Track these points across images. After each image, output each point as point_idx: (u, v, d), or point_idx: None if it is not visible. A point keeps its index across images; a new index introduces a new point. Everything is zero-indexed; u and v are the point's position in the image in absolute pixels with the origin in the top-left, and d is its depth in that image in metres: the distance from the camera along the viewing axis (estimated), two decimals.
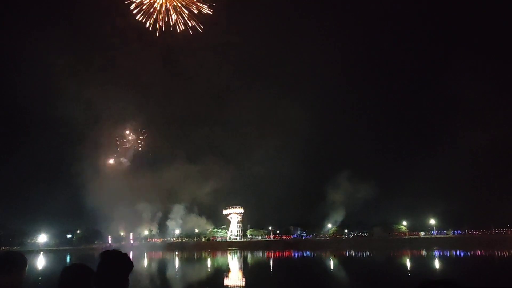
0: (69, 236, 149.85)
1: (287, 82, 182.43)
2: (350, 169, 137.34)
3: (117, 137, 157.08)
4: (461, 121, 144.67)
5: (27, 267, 4.19)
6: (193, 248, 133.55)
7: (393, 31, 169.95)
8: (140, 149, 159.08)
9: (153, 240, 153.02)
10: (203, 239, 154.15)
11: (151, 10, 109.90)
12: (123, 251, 3.85)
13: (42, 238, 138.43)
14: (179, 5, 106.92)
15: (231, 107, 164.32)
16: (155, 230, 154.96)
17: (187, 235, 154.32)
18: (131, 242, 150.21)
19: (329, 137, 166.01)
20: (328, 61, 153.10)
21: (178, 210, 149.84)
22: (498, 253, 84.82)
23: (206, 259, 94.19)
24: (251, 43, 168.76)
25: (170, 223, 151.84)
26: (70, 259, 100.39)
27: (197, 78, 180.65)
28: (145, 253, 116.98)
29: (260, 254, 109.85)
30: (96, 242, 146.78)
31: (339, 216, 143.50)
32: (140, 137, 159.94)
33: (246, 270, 66.25)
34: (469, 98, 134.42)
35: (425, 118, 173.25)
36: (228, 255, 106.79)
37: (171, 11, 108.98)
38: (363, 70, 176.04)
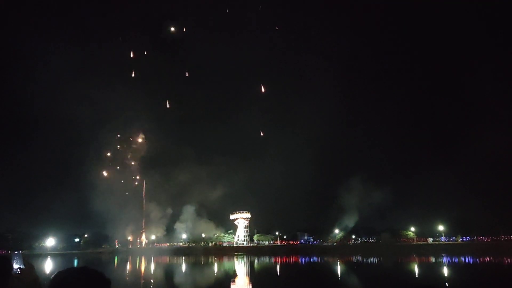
0: (77, 240, 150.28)
1: (301, 83, 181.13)
2: (361, 174, 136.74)
3: (125, 139, 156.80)
4: (477, 126, 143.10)
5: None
6: (201, 253, 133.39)
7: (410, 35, 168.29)
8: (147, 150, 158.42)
9: (160, 244, 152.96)
10: (210, 244, 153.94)
11: None
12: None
13: (50, 241, 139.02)
14: None
15: (242, 109, 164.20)
16: (161, 233, 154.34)
17: (194, 240, 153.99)
18: (138, 246, 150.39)
19: (342, 142, 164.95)
20: (345, 63, 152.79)
21: (188, 211, 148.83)
22: (507, 260, 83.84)
23: (213, 264, 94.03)
24: (265, 41, 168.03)
25: (179, 226, 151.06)
26: (78, 262, 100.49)
27: (208, 77, 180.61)
28: (152, 257, 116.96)
29: (267, 259, 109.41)
30: (103, 246, 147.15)
31: (350, 221, 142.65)
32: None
33: (253, 275, 66.03)
34: (486, 102, 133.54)
35: (441, 122, 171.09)
36: (235, 260, 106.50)
37: None
38: (380, 73, 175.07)
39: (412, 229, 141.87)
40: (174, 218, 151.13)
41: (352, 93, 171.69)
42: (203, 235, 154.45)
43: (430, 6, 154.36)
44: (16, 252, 3.99)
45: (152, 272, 74.36)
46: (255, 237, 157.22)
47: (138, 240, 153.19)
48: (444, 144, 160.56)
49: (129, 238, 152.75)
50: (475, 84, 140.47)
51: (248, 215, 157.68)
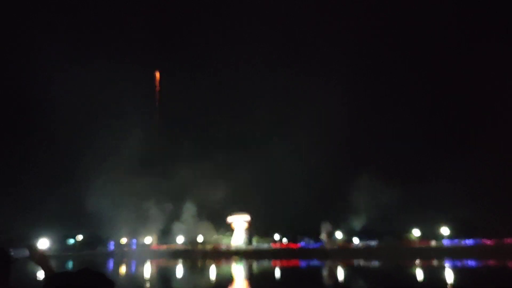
0: (71, 241, 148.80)
1: (309, 80, 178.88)
2: (367, 176, 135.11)
3: (122, 134, 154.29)
4: (484, 127, 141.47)
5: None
6: (199, 256, 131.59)
7: (421, 26, 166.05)
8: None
9: (157, 246, 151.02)
10: (208, 247, 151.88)
11: None
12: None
13: (44, 243, 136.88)
14: None
15: (246, 102, 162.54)
16: (158, 234, 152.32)
17: (191, 242, 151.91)
18: (134, 248, 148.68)
19: (348, 142, 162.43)
20: (357, 55, 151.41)
21: (189, 210, 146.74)
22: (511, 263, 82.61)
23: (211, 267, 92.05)
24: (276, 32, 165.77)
25: (177, 226, 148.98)
26: (72, 265, 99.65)
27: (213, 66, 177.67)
28: (149, 260, 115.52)
29: (266, 263, 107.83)
30: (98, 248, 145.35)
31: (357, 224, 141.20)
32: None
33: (252, 279, 64.37)
34: (496, 104, 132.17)
35: (449, 123, 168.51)
36: (233, 263, 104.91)
37: None
38: (394, 66, 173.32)
39: (415, 231, 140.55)
40: (172, 218, 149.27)
41: (363, 96, 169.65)
42: (201, 238, 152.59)
43: (439, 6, 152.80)
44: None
45: (148, 275, 72.84)
46: (254, 239, 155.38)
47: (135, 242, 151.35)
48: (449, 147, 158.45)
49: (125, 239, 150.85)
50: (484, 86, 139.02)
51: (248, 217, 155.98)
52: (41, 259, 3.87)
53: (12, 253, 3.69)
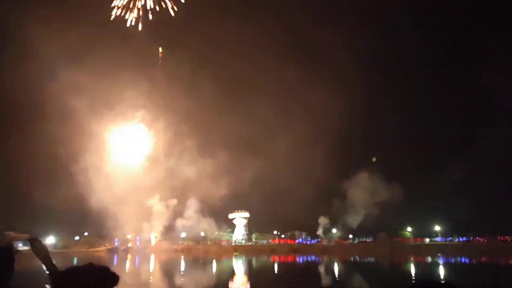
0: (77, 238, 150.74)
1: (310, 71, 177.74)
2: (366, 173, 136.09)
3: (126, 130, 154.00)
4: (480, 126, 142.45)
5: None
6: (200, 252, 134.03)
7: (425, 25, 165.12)
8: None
9: (160, 243, 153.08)
10: (209, 243, 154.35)
11: None
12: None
13: (50, 239, 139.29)
14: None
15: (246, 100, 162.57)
16: (161, 230, 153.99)
17: (193, 238, 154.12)
18: (138, 244, 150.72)
19: (346, 140, 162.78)
20: (357, 55, 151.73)
21: (192, 206, 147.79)
22: (503, 262, 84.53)
23: (212, 263, 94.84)
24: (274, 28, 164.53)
25: (180, 223, 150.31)
26: (77, 261, 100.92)
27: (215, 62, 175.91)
28: (152, 256, 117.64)
29: (265, 258, 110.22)
30: (103, 245, 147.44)
31: (354, 221, 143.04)
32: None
33: (251, 274, 66.84)
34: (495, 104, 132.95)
35: (448, 122, 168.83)
36: (234, 259, 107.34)
37: None
38: (394, 64, 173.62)
39: (409, 229, 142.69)
40: (175, 215, 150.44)
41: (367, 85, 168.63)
42: (202, 234, 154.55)
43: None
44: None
45: (151, 270, 75.08)
46: (253, 236, 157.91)
47: (138, 238, 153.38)
48: (445, 147, 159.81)
49: (129, 236, 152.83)
50: (485, 87, 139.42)
51: (247, 214, 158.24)
52: (45, 255, 3.87)
53: (15, 245, 3.84)
